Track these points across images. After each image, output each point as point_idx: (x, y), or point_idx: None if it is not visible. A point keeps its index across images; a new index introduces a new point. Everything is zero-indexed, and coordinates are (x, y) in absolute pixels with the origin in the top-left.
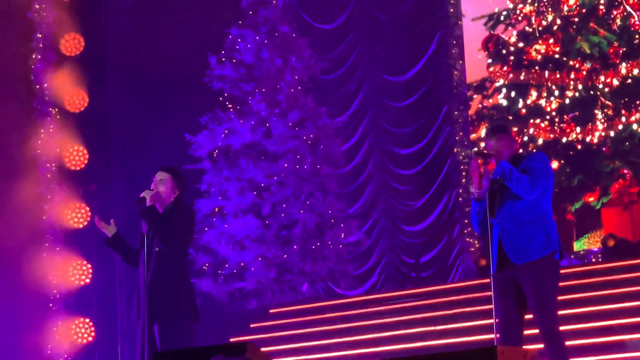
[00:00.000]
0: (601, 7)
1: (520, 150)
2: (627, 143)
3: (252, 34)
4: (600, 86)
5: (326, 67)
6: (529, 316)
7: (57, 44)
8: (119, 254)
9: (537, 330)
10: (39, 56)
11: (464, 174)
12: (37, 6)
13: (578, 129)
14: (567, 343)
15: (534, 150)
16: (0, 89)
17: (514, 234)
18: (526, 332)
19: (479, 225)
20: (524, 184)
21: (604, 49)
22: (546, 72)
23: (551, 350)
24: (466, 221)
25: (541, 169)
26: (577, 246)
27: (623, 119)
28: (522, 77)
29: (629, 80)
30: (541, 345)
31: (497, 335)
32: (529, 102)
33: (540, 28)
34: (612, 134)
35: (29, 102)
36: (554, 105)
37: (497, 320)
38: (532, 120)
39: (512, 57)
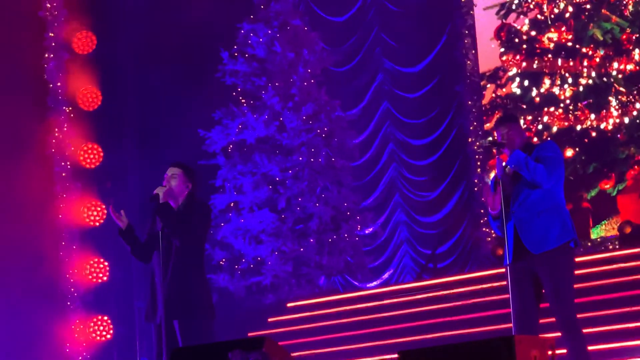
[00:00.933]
0: None
1: (535, 139)
2: None
3: (264, 28)
4: (614, 73)
5: (338, 60)
6: (544, 305)
7: (70, 42)
8: (128, 246)
9: (554, 319)
10: (52, 55)
11: (478, 163)
12: (49, 5)
13: (592, 116)
14: (585, 331)
15: (549, 139)
16: (14, 88)
17: (530, 224)
18: (543, 320)
19: (502, 231)
20: (541, 172)
21: (617, 36)
22: (559, 60)
23: (569, 338)
24: (482, 211)
25: (554, 158)
26: (594, 234)
27: (637, 105)
28: (535, 66)
29: None
30: (558, 334)
31: (514, 325)
32: (542, 90)
33: (552, 16)
34: (626, 120)
35: (42, 101)
36: (567, 93)
37: (513, 309)
38: (546, 109)
39: (524, 46)
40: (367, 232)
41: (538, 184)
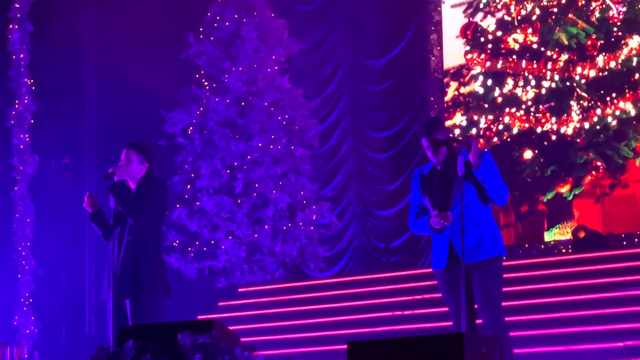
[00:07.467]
0: None
1: (495, 139)
2: (602, 135)
3: (231, 12)
4: (577, 77)
5: (304, 48)
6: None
7: (35, 14)
8: (100, 230)
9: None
10: (16, 26)
11: None
12: None
13: (553, 120)
14: (534, 332)
15: (508, 140)
16: None
17: (465, 234)
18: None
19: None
20: (505, 193)
21: (582, 41)
22: (523, 62)
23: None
24: None
25: (498, 173)
26: (548, 236)
27: (598, 111)
28: (499, 66)
29: (606, 73)
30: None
31: (454, 324)
32: (505, 90)
33: (519, 17)
34: (586, 125)
35: (4, 73)
36: (529, 95)
37: (451, 310)
38: (507, 109)
39: (490, 45)
40: (322, 221)
41: (497, 201)
